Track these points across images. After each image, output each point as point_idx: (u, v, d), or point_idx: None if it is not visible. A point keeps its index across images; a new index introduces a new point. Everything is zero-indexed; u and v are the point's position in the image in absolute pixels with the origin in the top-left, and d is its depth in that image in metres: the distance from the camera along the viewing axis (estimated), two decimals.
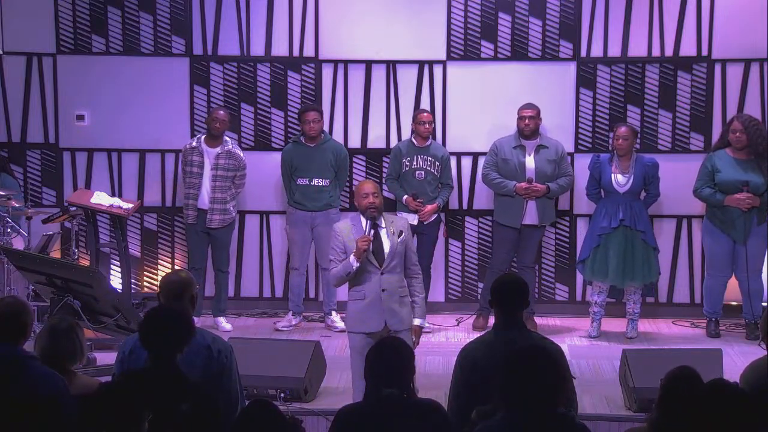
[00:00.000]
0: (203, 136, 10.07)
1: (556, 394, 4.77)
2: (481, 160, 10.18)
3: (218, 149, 10.01)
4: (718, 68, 10.44)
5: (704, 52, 10.42)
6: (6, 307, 5.58)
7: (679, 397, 4.64)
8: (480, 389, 5.54)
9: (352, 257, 7.55)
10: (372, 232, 7.59)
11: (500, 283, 6.18)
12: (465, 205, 10.64)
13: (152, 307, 5.91)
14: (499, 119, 10.09)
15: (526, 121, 9.78)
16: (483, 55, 10.55)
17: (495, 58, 10.55)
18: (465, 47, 10.55)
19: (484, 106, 10.34)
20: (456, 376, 5.98)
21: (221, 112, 10.08)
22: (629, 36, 10.45)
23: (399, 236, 7.67)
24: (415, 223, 9.92)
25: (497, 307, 6.04)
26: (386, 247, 7.61)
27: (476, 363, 5.82)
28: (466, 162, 10.54)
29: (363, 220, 7.67)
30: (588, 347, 9.22)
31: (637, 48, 10.47)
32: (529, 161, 9.81)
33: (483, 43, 10.53)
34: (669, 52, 10.46)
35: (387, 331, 7.39)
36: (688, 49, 10.43)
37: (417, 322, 7.65)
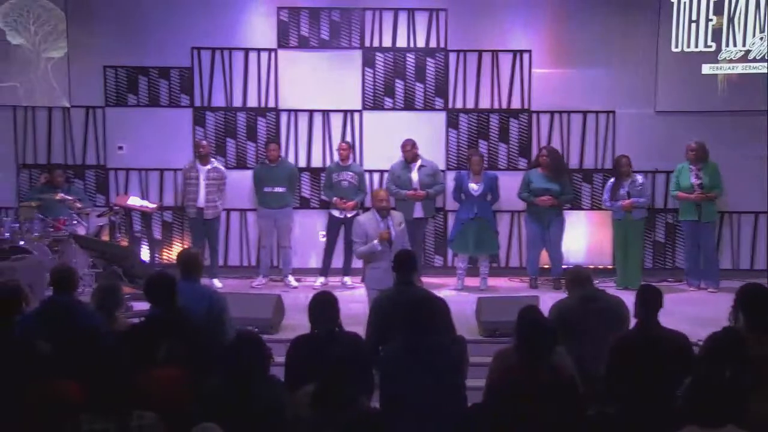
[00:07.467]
0: (195, 159, 9.90)
1: (445, 325, 4.98)
2: (385, 175, 10.10)
3: (208, 166, 9.86)
4: (534, 117, 10.46)
5: (526, 106, 10.44)
6: (62, 272, 5.62)
7: (526, 324, 4.71)
8: (387, 326, 5.49)
9: (376, 242, 7.61)
10: (387, 224, 7.68)
11: (399, 255, 6.22)
12: None
13: (151, 273, 5.78)
14: (396, 149, 9.95)
15: (408, 152, 9.76)
16: (385, 106, 10.45)
17: (393, 109, 10.45)
18: (374, 101, 10.45)
19: (386, 140, 10.20)
20: (371, 317, 5.96)
21: (203, 141, 9.98)
22: (479, 94, 10.42)
23: (399, 225, 7.77)
24: (341, 216, 9.84)
25: (398, 271, 6.06)
26: (393, 233, 7.66)
27: (384, 309, 5.79)
28: (376, 175, 10.45)
29: (377, 216, 7.74)
30: (456, 296, 9.21)
31: (485, 102, 10.44)
32: (414, 176, 9.75)
33: (385, 98, 10.44)
34: (504, 105, 10.46)
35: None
36: (516, 103, 10.44)
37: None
